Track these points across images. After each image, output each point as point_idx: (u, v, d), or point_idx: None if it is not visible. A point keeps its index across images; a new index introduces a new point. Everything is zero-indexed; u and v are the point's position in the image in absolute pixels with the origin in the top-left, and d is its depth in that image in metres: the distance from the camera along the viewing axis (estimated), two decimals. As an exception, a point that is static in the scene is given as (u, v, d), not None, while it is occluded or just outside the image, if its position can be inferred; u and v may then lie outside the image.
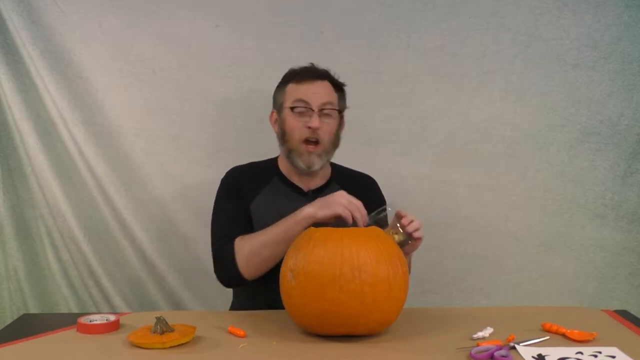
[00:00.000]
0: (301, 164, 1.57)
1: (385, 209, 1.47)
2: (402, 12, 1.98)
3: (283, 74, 1.66)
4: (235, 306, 1.68)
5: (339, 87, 1.62)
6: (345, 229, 1.28)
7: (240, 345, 1.21)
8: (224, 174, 1.66)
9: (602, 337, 1.25)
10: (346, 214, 1.39)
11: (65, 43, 1.90)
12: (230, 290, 1.72)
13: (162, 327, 1.22)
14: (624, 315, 1.45)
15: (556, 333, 1.28)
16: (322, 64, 1.64)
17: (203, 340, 1.24)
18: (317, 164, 1.57)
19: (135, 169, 1.96)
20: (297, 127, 1.56)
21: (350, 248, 1.21)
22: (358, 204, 1.41)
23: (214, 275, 2.01)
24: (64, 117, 1.91)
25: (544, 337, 1.26)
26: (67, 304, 1.98)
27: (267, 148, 1.74)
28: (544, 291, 2.05)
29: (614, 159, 2.02)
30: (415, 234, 1.42)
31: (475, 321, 1.34)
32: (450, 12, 1.98)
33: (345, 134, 1.72)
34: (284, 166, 1.66)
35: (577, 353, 1.16)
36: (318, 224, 1.37)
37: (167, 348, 1.18)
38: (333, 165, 1.71)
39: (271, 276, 1.41)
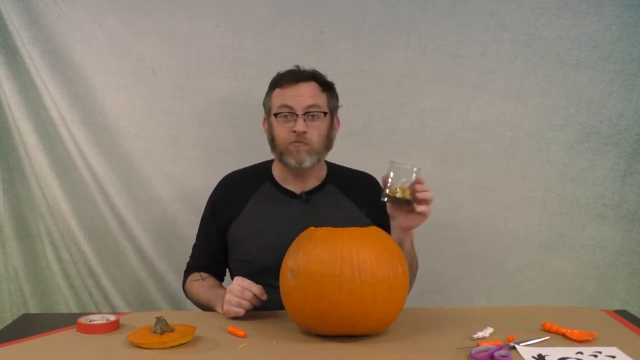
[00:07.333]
0: (292, 161, 1.54)
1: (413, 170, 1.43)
2: (402, 12, 1.98)
3: (283, 74, 1.66)
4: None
5: (326, 87, 1.59)
6: (345, 229, 1.28)
7: (240, 345, 1.21)
8: (217, 183, 1.69)
9: (602, 337, 1.25)
10: (236, 312, 1.38)
11: (65, 43, 1.90)
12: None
13: (162, 327, 1.22)
14: (624, 315, 1.45)
15: (556, 333, 1.28)
16: (322, 64, 1.63)
17: (203, 340, 1.24)
18: (307, 160, 1.54)
19: (135, 169, 1.97)
20: (283, 132, 1.54)
21: (350, 248, 1.21)
22: (247, 286, 1.39)
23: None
24: (64, 117, 1.91)
25: (544, 337, 1.26)
26: (67, 304, 1.98)
27: (267, 148, 1.73)
28: (544, 291, 2.04)
29: (614, 159, 2.01)
30: (419, 207, 1.40)
31: (475, 321, 1.34)
32: (450, 12, 1.98)
33: (345, 134, 1.71)
34: (276, 171, 1.64)
35: (577, 353, 1.16)
36: (317, 225, 1.35)
37: (167, 348, 1.18)
38: (329, 165, 1.68)
39: (274, 277, 1.40)
